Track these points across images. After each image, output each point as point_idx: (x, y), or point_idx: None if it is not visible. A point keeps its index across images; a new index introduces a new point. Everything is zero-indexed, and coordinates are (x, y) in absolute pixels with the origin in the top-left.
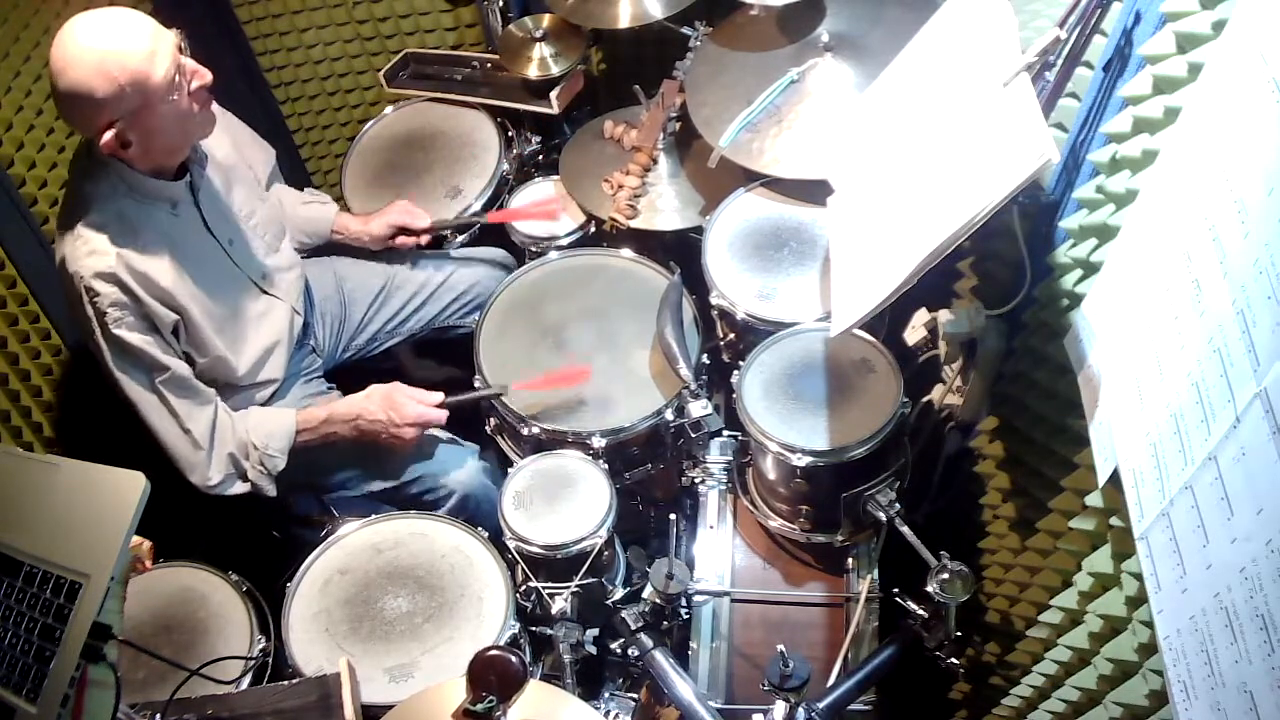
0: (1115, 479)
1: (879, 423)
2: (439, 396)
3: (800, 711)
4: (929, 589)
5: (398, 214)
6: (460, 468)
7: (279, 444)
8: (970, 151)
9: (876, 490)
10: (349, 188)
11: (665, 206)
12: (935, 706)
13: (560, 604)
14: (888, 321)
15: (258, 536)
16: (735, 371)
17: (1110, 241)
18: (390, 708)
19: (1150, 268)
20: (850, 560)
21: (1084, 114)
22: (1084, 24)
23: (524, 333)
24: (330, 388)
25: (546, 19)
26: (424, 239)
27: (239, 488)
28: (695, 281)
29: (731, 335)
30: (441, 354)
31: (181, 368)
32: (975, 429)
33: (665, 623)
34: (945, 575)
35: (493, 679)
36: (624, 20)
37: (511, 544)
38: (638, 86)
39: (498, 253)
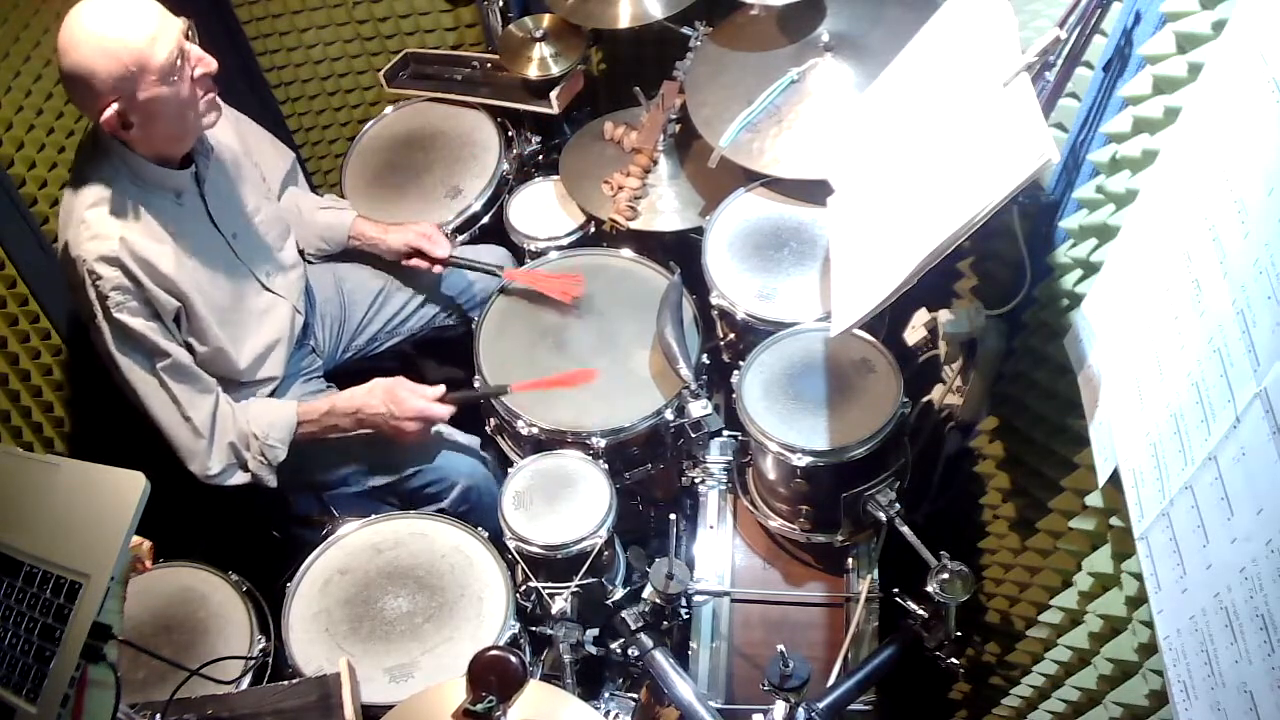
0: (1115, 479)
1: (879, 423)
2: (441, 390)
3: (800, 711)
4: (929, 589)
5: (418, 237)
6: (461, 460)
7: (280, 434)
8: (970, 151)
9: (876, 490)
10: (349, 188)
11: (665, 207)
12: (935, 706)
13: (560, 604)
14: (888, 321)
15: (258, 536)
16: (735, 371)
17: (1110, 241)
18: (390, 708)
19: (1150, 268)
20: (850, 560)
21: (1084, 114)
22: (1084, 24)
23: (524, 333)
24: (329, 386)
25: (546, 19)
26: (437, 268)
27: (239, 478)
28: (695, 281)
29: (731, 335)
30: (441, 354)
31: (183, 355)
32: (975, 429)
33: (665, 623)
34: (945, 575)
35: (493, 679)
36: (624, 20)
37: (511, 544)
38: (638, 88)
39: (498, 252)
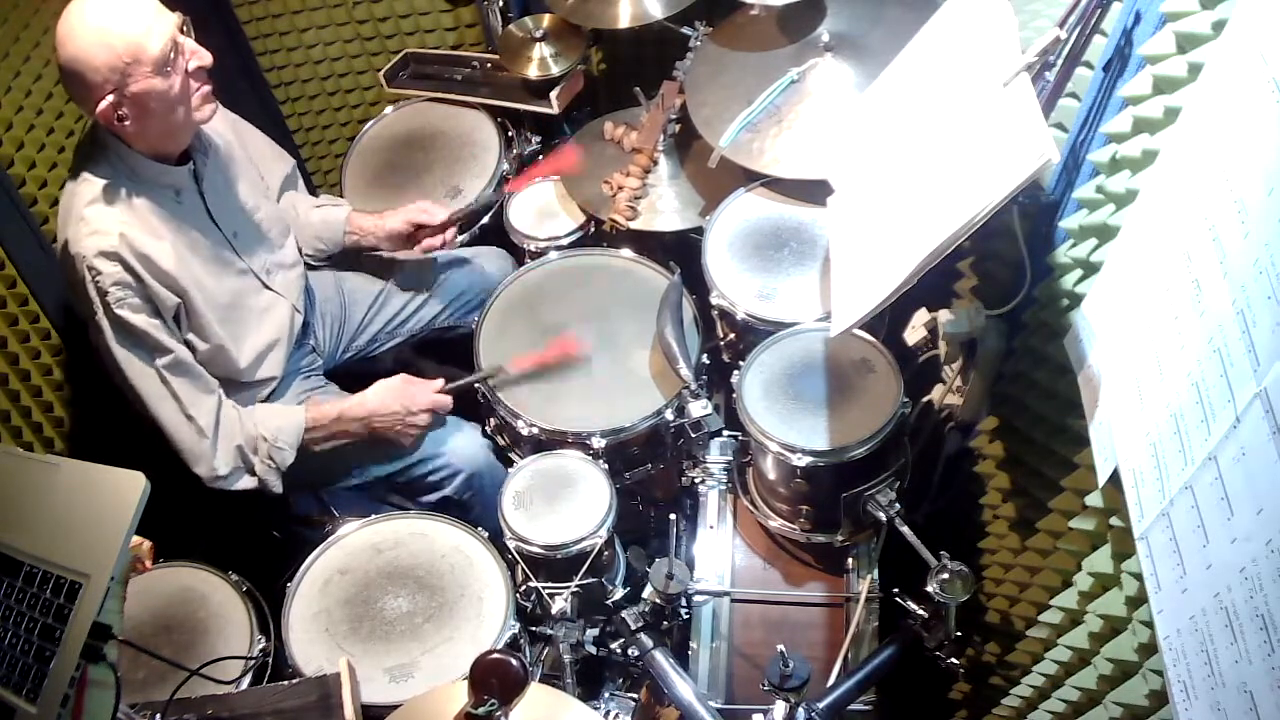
0: (1115, 479)
1: (879, 423)
2: (439, 383)
3: (800, 711)
4: (929, 589)
5: (415, 211)
6: (465, 446)
7: (288, 438)
8: (970, 152)
9: (876, 490)
10: (349, 188)
11: (665, 207)
12: (935, 706)
13: (560, 604)
14: (888, 321)
15: (258, 536)
16: (735, 371)
17: (1110, 241)
18: (390, 708)
19: (1150, 268)
20: (850, 560)
21: (1084, 114)
22: (1084, 24)
23: (524, 333)
24: (329, 385)
25: (546, 19)
26: (449, 235)
27: (246, 482)
28: (695, 281)
29: (731, 335)
30: (441, 354)
31: (184, 352)
32: (975, 429)
33: (665, 623)
34: (945, 575)
35: (494, 682)
36: (624, 20)
37: (511, 544)
38: (638, 88)
39: (498, 252)
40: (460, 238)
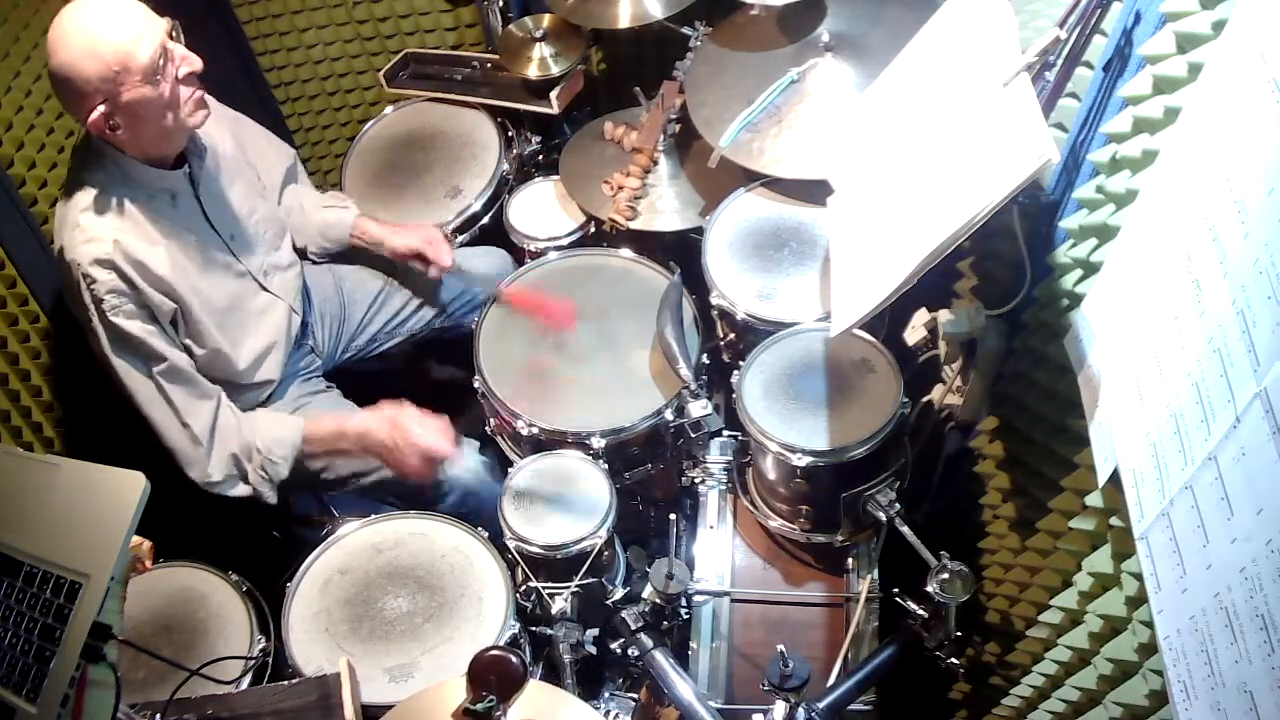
0: (1115, 479)
1: (879, 423)
2: (445, 420)
3: (800, 711)
4: (929, 589)
5: (423, 243)
6: (460, 464)
7: (283, 451)
8: (970, 151)
9: (876, 490)
10: (349, 188)
11: (665, 207)
12: (935, 706)
13: (560, 604)
14: (888, 321)
15: (258, 536)
16: (735, 371)
17: (1110, 241)
18: (390, 708)
19: (1150, 268)
20: (850, 560)
21: (1084, 114)
22: (1084, 24)
23: (524, 333)
24: (329, 386)
25: (546, 19)
26: (433, 271)
27: (240, 490)
28: (695, 281)
29: (731, 335)
30: (441, 354)
31: (181, 359)
32: (975, 429)
33: (665, 623)
34: (945, 575)
35: (493, 679)
36: (624, 20)
37: (511, 544)
38: (638, 88)
39: (498, 252)
40: (460, 238)
